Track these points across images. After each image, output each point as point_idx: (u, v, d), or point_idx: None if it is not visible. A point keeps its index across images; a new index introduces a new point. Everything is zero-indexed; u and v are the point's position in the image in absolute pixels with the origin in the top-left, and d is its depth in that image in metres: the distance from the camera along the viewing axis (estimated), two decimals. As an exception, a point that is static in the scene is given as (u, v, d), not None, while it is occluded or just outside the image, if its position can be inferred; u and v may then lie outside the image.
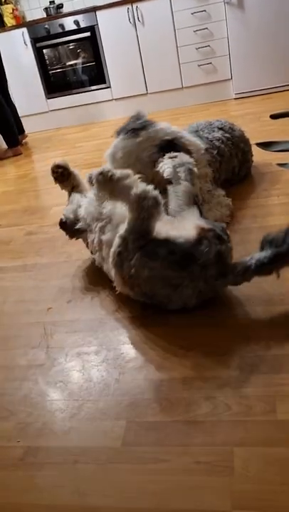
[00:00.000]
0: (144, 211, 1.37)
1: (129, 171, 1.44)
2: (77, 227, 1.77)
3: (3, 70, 4.14)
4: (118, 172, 1.41)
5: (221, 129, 2.26)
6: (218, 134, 2.21)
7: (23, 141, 4.40)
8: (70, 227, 1.83)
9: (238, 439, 1.05)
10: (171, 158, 1.68)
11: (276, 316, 1.40)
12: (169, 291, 1.41)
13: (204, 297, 1.44)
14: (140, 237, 1.39)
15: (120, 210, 1.54)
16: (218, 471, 1.00)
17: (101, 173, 1.41)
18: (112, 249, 1.47)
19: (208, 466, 1.01)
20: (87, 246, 1.82)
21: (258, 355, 1.27)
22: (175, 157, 1.69)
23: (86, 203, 1.75)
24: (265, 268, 1.32)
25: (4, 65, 4.19)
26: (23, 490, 1.05)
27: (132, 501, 0.98)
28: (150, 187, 1.40)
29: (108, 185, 1.41)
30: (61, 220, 1.86)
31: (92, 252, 1.76)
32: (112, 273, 1.51)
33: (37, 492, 1.04)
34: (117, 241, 1.45)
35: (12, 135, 4.07)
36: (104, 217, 1.62)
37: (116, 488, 1.01)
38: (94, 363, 1.39)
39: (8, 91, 4.20)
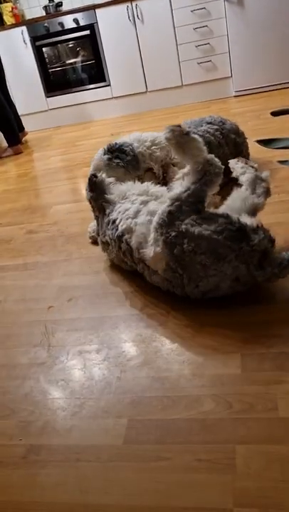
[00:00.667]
0: (208, 176, 1.42)
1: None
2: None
3: (3, 69, 4.13)
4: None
5: (209, 123, 2.33)
6: (204, 128, 2.28)
7: (23, 138, 4.40)
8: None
9: (240, 437, 1.06)
10: (252, 167, 1.68)
11: (277, 314, 1.40)
12: (211, 261, 1.36)
13: (236, 288, 1.41)
14: (198, 201, 1.42)
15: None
16: (220, 468, 1.00)
17: (179, 125, 1.46)
18: (161, 210, 1.46)
19: (209, 464, 1.02)
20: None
21: (259, 353, 1.27)
22: (255, 168, 1.69)
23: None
24: None
25: (3, 63, 4.19)
26: (26, 488, 1.05)
27: (134, 499, 0.98)
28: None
29: (181, 138, 1.45)
30: None
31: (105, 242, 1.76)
32: (150, 239, 1.48)
33: (39, 490, 1.04)
34: (168, 202, 1.46)
35: (13, 133, 4.07)
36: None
37: (118, 486, 1.01)
38: (95, 361, 1.39)
39: (7, 90, 4.20)
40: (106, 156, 2.00)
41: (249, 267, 1.37)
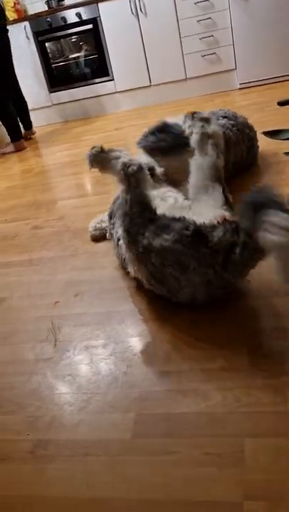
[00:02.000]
0: (132, 178, 1.38)
1: (122, 148, 1.48)
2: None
3: (12, 65, 4.10)
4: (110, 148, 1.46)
5: (225, 117, 2.29)
6: (222, 122, 2.23)
7: (31, 136, 4.40)
8: None
9: (248, 430, 1.05)
10: (200, 119, 1.57)
11: (284, 306, 1.39)
12: (179, 273, 1.33)
13: (214, 293, 1.38)
14: (144, 209, 1.37)
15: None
16: (229, 462, 1.00)
17: (93, 147, 1.47)
18: (120, 232, 1.45)
19: (218, 458, 1.01)
20: None
21: (266, 346, 1.26)
22: (205, 120, 1.58)
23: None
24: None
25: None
26: (34, 483, 1.06)
27: (142, 493, 0.98)
28: (135, 157, 1.42)
29: (99, 157, 1.47)
30: None
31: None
32: (127, 257, 1.48)
33: (47, 485, 1.04)
34: (119, 221, 1.44)
35: (14, 129, 4.07)
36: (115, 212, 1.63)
37: (126, 480, 1.01)
38: (102, 356, 1.39)
39: (17, 85, 4.18)
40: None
41: (216, 270, 1.29)
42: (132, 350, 1.38)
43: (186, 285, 1.36)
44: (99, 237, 2.06)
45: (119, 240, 1.58)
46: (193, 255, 1.29)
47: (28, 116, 4.35)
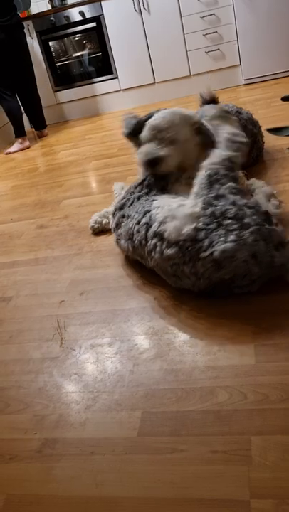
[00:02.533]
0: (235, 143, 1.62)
1: None
2: None
3: (18, 62, 4.08)
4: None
5: (227, 112, 2.26)
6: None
7: (43, 136, 4.41)
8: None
9: (255, 428, 1.04)
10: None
11: (288, 303, 1.39)
12: (235, 227, 1.37)
13: (251, 267, 1.36)
14: (232, 167, 1.52)
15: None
16: (236, 460, 0.99)
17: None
18: (200, 177, 1.53)
19: (225, 456, 1.01)
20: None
21: (273, 343, 1.26)
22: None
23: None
24: None
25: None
26: (42, 481, 1.06)
27: (150, 491, 0.98)
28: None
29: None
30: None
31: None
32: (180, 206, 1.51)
33: (55, 483, 1.05)
34: (205, 168, 1.53)
35: (13, 125, 4.11)
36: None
37: (133, 479, 1.01)
38: (108, 354, 1.39)
39: (27, 82, 4.17)
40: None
41: (268, 245, 1.36)
42: (138, 348, 1.38)
43: (235, 240, 1.35)
44: (97, 230, 2.14)
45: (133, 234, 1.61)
46: (258, 222, 1.38)
47: (38, 115, 4.33)
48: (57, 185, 2.96)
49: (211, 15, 4.07)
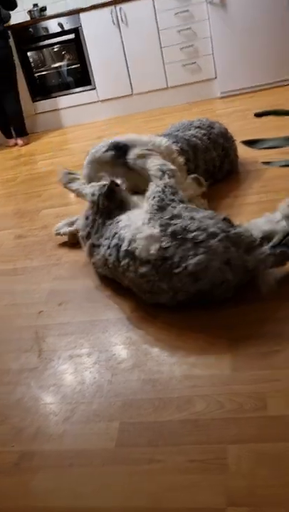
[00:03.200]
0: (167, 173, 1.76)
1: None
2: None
3: (8, 72, 4.16)
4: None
5: (198, 127, 2.36)
6: (192, 132, 2.32)
7: (20, 147, 4.43)
8: None
9: (231, 437, 1.06)
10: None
11: (266, 313, 1.42)
12: (202, 238, 1.40)
13: (226, 275, 1.40)
14: (175, 192, 1.59)
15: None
16: (212, 469, 1.01)
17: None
18: (153, 199, 1.57)
19: (202, 465, 1.02)
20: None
21: (248, 353, 1.28)
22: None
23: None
24: None
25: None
26: (20, 495, 1.05)
27: (128, 502, 0.98)
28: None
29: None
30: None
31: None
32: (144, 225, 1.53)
33: (33, 496, 1.04)
34: (156, 189, 1.61)
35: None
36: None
37: (111, 490, 1.02)
38: (86, 365, 1.39)
39: (14, 90, 4.27)
40: (110, 153, 2.00)
41: (239, 250, 1.40)
42: (116, 358, 1.39)
43: (205, 252, 1.38)
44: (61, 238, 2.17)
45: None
46: (223, 229, 1.44)
47: (14, 123, 4.38)
48: (36, 195, 2.95)
49: (187, 29, 4.14)
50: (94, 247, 1.71)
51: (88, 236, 1.75)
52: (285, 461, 0.98)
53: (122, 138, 2.06)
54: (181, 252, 1.40)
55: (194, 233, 1.40)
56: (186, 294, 1.43)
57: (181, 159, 2.12)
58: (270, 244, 1.45)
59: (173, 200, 1.55)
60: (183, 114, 3.98)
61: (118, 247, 1.55)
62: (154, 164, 1.83)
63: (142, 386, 1.26)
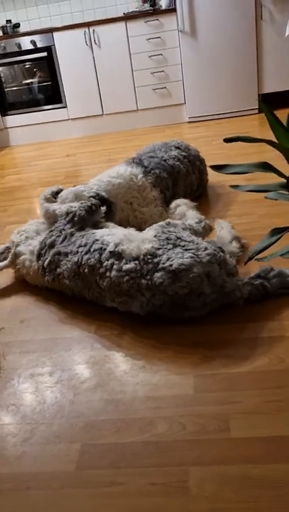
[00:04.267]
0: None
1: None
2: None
3: None
4: None
5: (177, 147, 2.38)
6: (174, 153, 2.32)
7: None
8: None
9: (193, 459, 1.06)
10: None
11: (231, 334, 1.43)
12: (191, 247, 1.52)
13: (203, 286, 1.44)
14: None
15: None
16: (174, 491, 1.00)
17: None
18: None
19: (163, 487, 1.01)
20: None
21: (211, 374, 1.29)
22: None
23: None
24: None
25: None
26: (-28, 520, 1.01)
27: (87, 527, 0.96)
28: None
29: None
30: None
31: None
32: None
33: (-14, 522, 1.00)
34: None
35: None
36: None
37: (70, 514, 0.99)
38: (48, 384, 1.36)
39: None
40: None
41: (221, 270, 1.47)
42: (79, 377, 1.36)
43: (191, 256, 1.46)
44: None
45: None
46: (212, 245, 1.55)
47: None
48: (1, 209, 2.91)
49: (158, 55, 4.24)
50: (59, 255, 1.67)
51: (53, 244, 1.72)
52: (247, 483, 0.98)
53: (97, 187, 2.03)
54: (170, 253, 1.47)
55: (186, 243, 1.50)
56: (162, 297, 1.44)
57: (154, 193, 2.12)
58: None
59: (175, 227, 1.66)
60: (153, 137, 4.04)
61: (101, 250, 1.56)
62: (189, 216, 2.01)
63: (104, 406, 1.24)
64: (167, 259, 1.44)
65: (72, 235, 1.70)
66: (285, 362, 1.29)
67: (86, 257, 1.58)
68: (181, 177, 2.26)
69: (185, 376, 1.29)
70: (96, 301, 1.61)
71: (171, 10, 4.08)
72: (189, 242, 1.51)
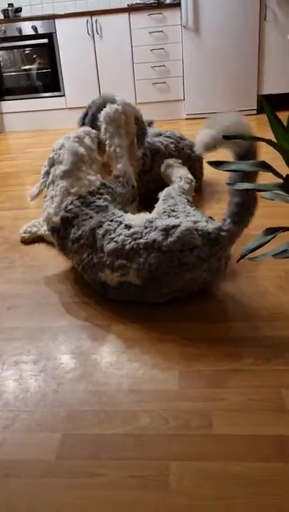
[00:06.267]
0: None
1: None
2: None
3: None
4: None
5: (167, 136, 2.48)
6: (160, 138, 2.44)
7: None
8: None
9: (174, 454, 1.06)
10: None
11: (218, 333, 1.43)
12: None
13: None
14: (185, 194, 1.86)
15: None
16: (153, 485, 0.99)
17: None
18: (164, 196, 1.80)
19: (143, 481, 1.01)
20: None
21: (196, 370, 1.29)
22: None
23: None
24: None
25: None
26: None
27: (64, 516, 0.95)
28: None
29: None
30: None
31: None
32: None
33: None
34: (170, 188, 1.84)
35: None
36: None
37: (48, 504, 0.98)
38: (32, 372, 1.35)
39: None
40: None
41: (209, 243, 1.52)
42: (64, 367, 1.35)
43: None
44: (28, 240, 2.17)
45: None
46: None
47: None
48: (-8, 195, 2.88)
49: (160, 49, 4.22)
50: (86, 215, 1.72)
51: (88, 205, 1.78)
52: (227, 481, 0.98)
53: None
54: (164, 220, 1.56)
55: (179, 213, 1.61)
56: (157, 255, 1.48)
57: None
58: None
59: (180, 196, 1.77)
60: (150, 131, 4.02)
61: (120, 223, 1.63)
62: (177, 172, 2.08)
63: (88, 397, 1.24)
64: (161, 223, 1.55)
65: (106, 207, 1.73)
66: (271, 361, 1.29)
67: (107, 223, 1.62)
68: (160, 157, 2.32)
69: (170, 371, 1.29)
70: (88, 271, 1.61)
71: (176, 4, 4.07)
72: (182, 212, 1.62)
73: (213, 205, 2.35)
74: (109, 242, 1.57)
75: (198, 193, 2.47)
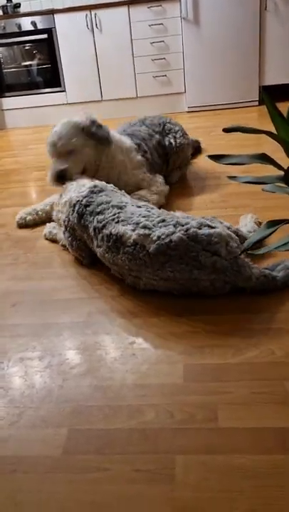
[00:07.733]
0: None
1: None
2: None
3: None
4: None
5: (149, 124, 2.61)
6: (138, 128, 2.59)
7: None
8: None
9: (180, 447, 1.06)
10: None
11: (222, 326, 1.43)
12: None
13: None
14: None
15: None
16: (159, 479, 1.00)
17: None
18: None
19: (148, 475, 1.01)
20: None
21: (201, 364, 1.29)
22: None
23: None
24: None
25: None
26: None
27: (71, 511, 0.96)
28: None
29: None
30: None
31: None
32: None
33: (-29, 503, 1.00)
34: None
35: None
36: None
37: (53, 499, 0.99)
38: (37, 368, 1.36)
39: None
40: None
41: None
42: (69, 363, 1.36)
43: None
44: (23, 225, 2.29)
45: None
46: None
47: None
48: (-5, 192, 2.88)
49: (160, 41, 4.19)
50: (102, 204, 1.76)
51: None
52: (232, 474, 0.99)
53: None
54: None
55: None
56: (181, 237, 1.49)
57: (138, 157, 2.32)
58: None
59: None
60: (150, 125, 4.00)
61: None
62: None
63: (93, 393, 1.24)
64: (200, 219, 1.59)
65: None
66: (275, 354, 1.29)
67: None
68: (146, 141, 2.43)
69: (174, 365, 1.30)
70: (107, 226, 1.63)
71: (175, -4, 4.03)
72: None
73: (216, 198, 2.34)
74: (140, 207, 1.67)
75: (198, 188, 2.47)
